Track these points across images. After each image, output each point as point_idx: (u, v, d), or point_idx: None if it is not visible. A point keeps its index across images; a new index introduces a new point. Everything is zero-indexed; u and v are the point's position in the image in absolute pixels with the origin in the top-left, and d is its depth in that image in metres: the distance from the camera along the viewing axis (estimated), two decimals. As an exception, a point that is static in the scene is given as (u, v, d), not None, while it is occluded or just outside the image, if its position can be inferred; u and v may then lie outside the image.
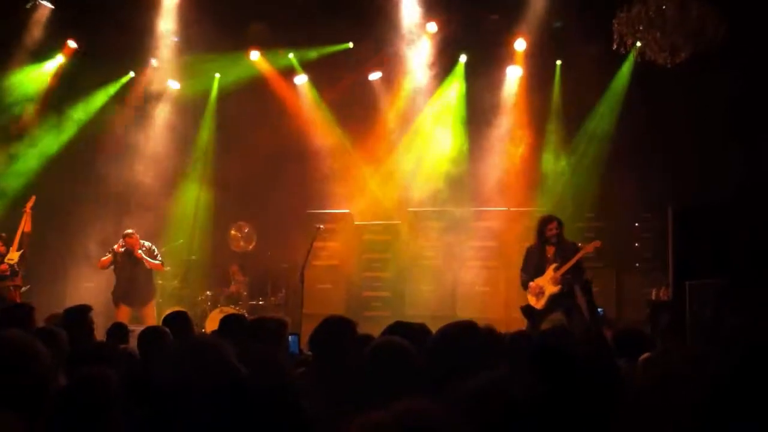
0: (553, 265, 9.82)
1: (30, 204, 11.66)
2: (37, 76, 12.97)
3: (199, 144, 13.89)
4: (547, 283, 9.83)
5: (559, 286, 9.74)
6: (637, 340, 5.30)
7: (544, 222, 10.01)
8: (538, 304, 9.90)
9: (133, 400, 3.71)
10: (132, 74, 13.44)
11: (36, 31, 12.49)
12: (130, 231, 11.41)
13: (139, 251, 11.29)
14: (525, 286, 10.02)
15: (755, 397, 1.44)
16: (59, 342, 4.59)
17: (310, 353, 5.26)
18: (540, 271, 9.92)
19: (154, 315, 11.20)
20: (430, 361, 3.53)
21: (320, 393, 3.68)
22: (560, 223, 9.97)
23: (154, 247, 11.62)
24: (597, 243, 10.04)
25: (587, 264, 10.06)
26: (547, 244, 9.94)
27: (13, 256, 11.54)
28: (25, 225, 11.61)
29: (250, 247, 13.24)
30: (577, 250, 9.88)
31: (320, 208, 13.13)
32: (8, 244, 11.57)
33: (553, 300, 9.77)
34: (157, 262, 11.49)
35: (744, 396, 1.45)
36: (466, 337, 3.51)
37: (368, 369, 3.83)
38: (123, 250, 11.29)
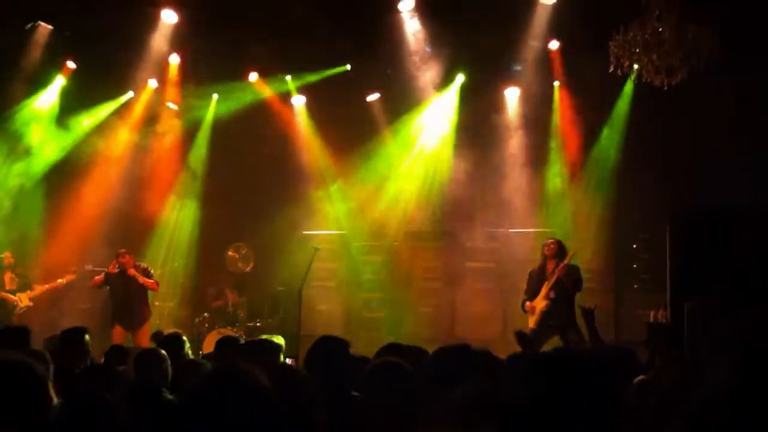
0: (547, 284, 9.92)
1: (71, 278, 11.77)
2: (41, 100, 13.02)
3: (197, 165, 13.90)
4: (539, 300, 9.93)
5: (547, 301, 9.81)
6: (629, 361, 5.27)
7: (544, 242, 10.19)
8: (532, 322, 9.99)
9: (129, 422, 3.70)
10: (131, 93, 13.46)
11: (36, 52, 12.53)
12: (123, 250, 11.33)
13: (132, 269, 11.21)
14: (522, 307, 10.12)
15: (752, 404, 1.42)
16: (48, 365, 4.60)
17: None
18: (540, 288, 10.02)
19: (148, 338, 11.10)
20: (425, 385, 3.52)
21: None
22: (558, 243, 10.06)
23: (150, 269, 11.57)
24: (574, 250, 10.13)
25: (588, 285, 10.07)
26: (547, 261, 10.06)
27: (24, 300, 11.52)
28: (55, 287, 11.64)
29: (248, 268, 13.22)
30: (573, 274, 9.92)
31: (318, 229, 13.12)
32: (19, 275, 11.54)
33: (546, 315, 9.81)
34: (150, 280, 11.38)
35: (741, 403, 1.44)
36: (460, 360, 3.50)
37: (366, 390, 3.82)
38: (117, 270, 11.21)
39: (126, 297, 11.18)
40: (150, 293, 11.53)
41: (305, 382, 3.33)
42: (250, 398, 2.25)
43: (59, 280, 11.72)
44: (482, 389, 2.25)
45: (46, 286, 11.66)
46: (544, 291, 9.92)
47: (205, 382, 2.36)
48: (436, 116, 13.40)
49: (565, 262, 9.96)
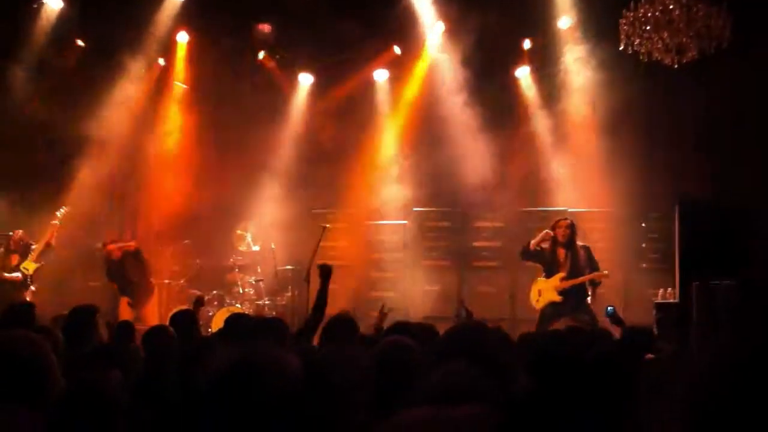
0: (561, 275, 9.79)
1: (60, 215, 11.58)
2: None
3: (204, 143, 13.87)
4: (550, 290, 9.82)
5: (560, 298, 9.72)
6: (644, 339, 5.27)
7: (555, 222, 10.02)
8: (537, 304, 9.94)
9: (139, 401, 3.72)
10: (140, 72, 13.43)
11: (44, 31, 12.53)
12: (106, 241, 11.57)
13: (116, 254, 11.44)
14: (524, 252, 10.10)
15: (755, 402, 1.41)
16: (55, 343, 4.64)
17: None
18: (550, 273, 9.90)
19: (155, 313, 11.19)
20: (438, 363, 3.50)
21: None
22: (572, 227, 9.92)
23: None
24: (606, 274, 9.94)
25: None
26: (557, 246, 9.92)
27: (29, 266, 11.39)
28: (50, 237, 11.53)
29: (257, 246, 13.22)
30: (588, 259, 9.82)
31: (327, 208, 13.12)
32: (24, 250, 11.47)
33: (554, 306, 9.75)
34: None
35: (744, 400, 1.43)
36: (475, 339, 3.48)
37: (375, 369, 3.82)
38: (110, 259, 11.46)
39: (125, 278, 11.35)
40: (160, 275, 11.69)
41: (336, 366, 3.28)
42: (280, 391, 2.12)
43: (53, 222, 11.59)
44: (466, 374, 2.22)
45: (44, 237, 11.54)
46: (556, 282, 9.80)
47: (228, 369, 2.21)
48: (444, 95, 13.28)
49: (596, 276, 9.80)
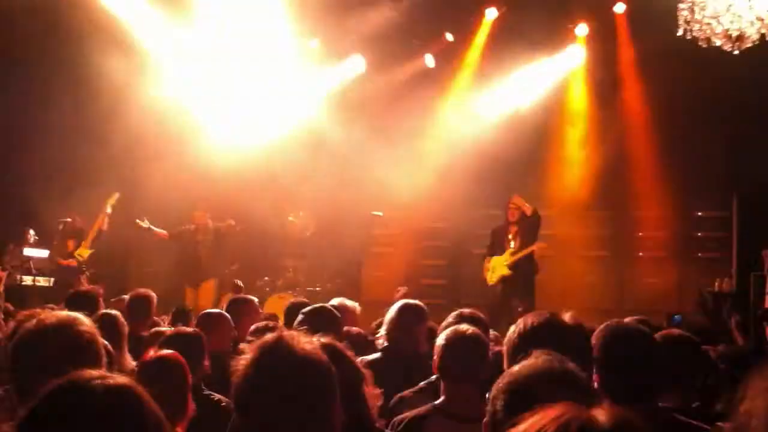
0: (510, 250, 10.29)
1: (111, 202, 11.68)
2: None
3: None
4: (500, 265, 10.32)
5: (511, 272, 10.25)
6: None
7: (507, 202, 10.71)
8: (490, 280, 10.42)
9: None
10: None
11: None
12: (202, 206, 11.73)
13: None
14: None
15: None
16: (119, 326, 4.78)
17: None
18: (501, 250, 10.43)
19: (211, 294, 11.25)
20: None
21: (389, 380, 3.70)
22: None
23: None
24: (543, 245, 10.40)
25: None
26: (510, 224, 10.53)
27: (84, 252, 11.54)
28: (102, 223, 11.69)
29: (308, 233, 13.25)
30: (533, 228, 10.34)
31: (378, 195, 13.10)
32: (80, 236, 11.62)
33: (506, 282, 10.26)
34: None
35: None
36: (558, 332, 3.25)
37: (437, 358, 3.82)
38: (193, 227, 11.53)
39: (195, 254, 11.46)
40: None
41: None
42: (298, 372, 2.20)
43: (104, 209, 11.67)
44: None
45: (97, 223, 11.70)
46: (507, 257, 10.41)
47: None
48: (493, 83, 13.17)
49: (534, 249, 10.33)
